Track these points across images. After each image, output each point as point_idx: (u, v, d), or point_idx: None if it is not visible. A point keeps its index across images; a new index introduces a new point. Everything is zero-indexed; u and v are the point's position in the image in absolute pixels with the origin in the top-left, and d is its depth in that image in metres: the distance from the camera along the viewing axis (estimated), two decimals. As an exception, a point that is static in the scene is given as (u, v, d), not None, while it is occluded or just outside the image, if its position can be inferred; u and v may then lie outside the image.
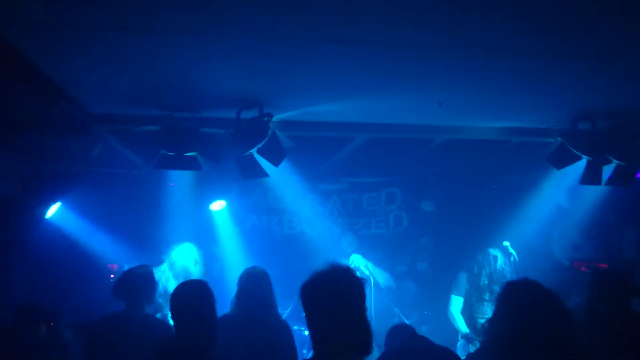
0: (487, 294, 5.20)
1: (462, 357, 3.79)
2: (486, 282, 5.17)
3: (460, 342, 5.21)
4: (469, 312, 5.29)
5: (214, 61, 3.16)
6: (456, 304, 5.35)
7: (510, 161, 5.83)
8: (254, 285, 3.77)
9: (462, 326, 5.24)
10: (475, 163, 6.04)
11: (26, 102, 3.64)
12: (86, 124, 4.13)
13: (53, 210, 5.22)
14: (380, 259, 6.47)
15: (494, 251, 5.19)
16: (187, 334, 2.78)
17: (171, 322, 4.23)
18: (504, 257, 5.16)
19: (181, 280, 4.35)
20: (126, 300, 3.53)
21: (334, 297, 1.94)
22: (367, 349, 1.93)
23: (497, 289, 5.12)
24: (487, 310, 5.21)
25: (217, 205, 6.13)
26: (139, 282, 3.59)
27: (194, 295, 2.87)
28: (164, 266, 4.61)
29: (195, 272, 4.62)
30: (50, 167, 5.21)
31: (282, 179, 5.78)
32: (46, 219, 5.21)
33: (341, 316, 1.91)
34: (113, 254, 5.66)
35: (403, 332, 3.28)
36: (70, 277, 5.35)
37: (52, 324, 3.54)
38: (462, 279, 5.35)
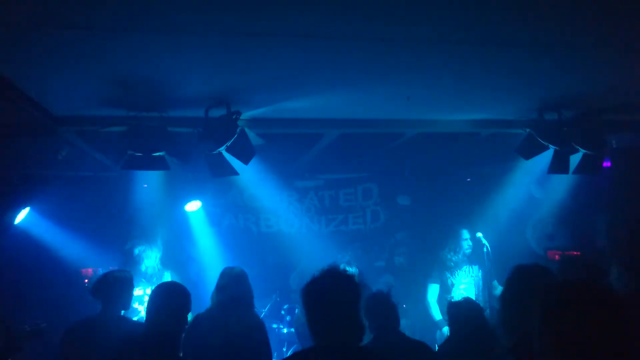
0: (459, 275, 5.36)
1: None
2: (456, 261, 5.37)
3: (439, 333, 5.27)
4: (443, 297, 5.41)
5: (179, 60, 3.13)
6: (432, 291, 5.46)
7: (483, 153, 5.89)
8: (232, 284, 3.80)
9: (437, 314, 5.33)
10: (449, 156, 6.09)
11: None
12: (50, 127, 4.05)
13: (22, 216, 5.12)
14: (359, 255, 6.51)
15: (461, 230, 5.41)
16: (156, 333, 2.85)
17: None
18: (471, 236, 5.35)
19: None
20: (103, 301, 3.53)
21: (335, 298, 2.17)
22: (361, 338, 2.22)
23: (467, 266, 5.31)
24: (461, 292, 5.31)
25: (193, 206, 6.07)
26: (118, 285, 3.60)
27: (172, 299, 2.96)
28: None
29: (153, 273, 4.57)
30: (17, 172, 5.10)
31: (258, 177, 5.77)
32: (15, 225, 5.11)
33: (340, 315, 2.16)
34: (86, 259, 5.58)
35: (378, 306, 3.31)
36: (42, 284, 5.26)
37: (10, 336, 3.45)
38: (436, 266, 5.48)
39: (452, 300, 5.29)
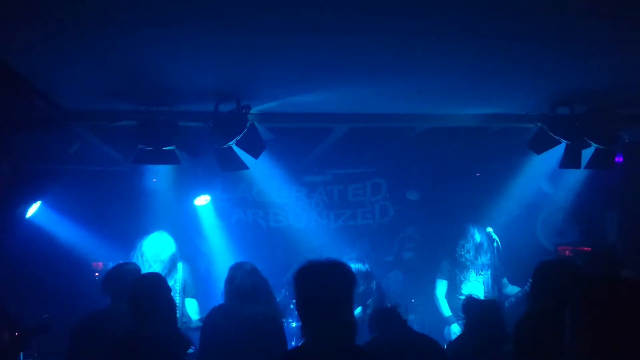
0: (469, 272, 5.29)
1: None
2: (467, 258, 5.29)
3: (447, 329, 5.26)
4: (452, 294, 5.37)
5: (189, 54, 3.12)
6: (441, 287, 5.42)
7: (493, 148, 5.85)
8: (242, 276, 3.82)
9: (446, 310, 5.31)
10: (459, 151, 6.05)
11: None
12: (61, 121, 4.07)
13: (33, 210, 5.15)
14: (367, 250, 6.51)
15: (472, 227, 5.32)
16: (146, 328, 2.84)
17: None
18: (483, 234, 5.27)
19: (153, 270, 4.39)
20: (112, 295, 3.55)
21: (328, 286, 2.06)
22: (353, 336, 2.09)
23: (477, 263, 5.23)
24: (470, 289, 5.28)
25: (202, 200, 6.09)
26: (127, 278, 3.58)
27: (150, 289, 2.97)
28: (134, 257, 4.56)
29: (167, 260, 4.56)
30: (29, 166, 5.14)
31: (267, 172, 5.77)
32: (27, 219, 5.15)
33: (333, 305, 2.04)
34: (96, 252, 5.62)
35: (384, 319, 3.29)
36: (53, 277, 5.31)
37: (17, 333, 3.44)
38: (445, 262, 5.44)
39: (466, 296, 5.29)
